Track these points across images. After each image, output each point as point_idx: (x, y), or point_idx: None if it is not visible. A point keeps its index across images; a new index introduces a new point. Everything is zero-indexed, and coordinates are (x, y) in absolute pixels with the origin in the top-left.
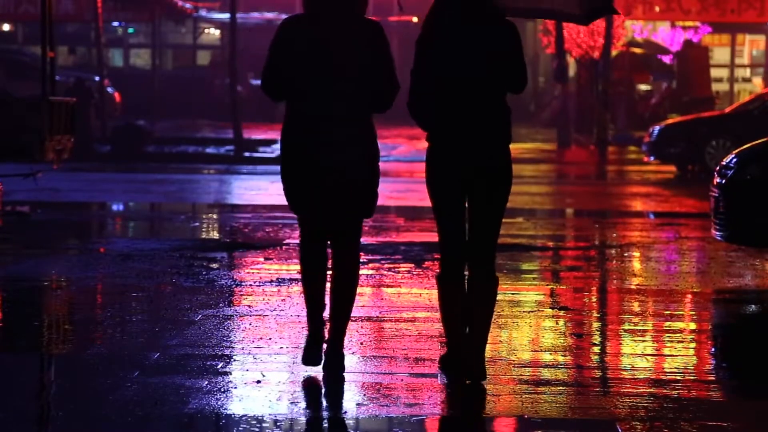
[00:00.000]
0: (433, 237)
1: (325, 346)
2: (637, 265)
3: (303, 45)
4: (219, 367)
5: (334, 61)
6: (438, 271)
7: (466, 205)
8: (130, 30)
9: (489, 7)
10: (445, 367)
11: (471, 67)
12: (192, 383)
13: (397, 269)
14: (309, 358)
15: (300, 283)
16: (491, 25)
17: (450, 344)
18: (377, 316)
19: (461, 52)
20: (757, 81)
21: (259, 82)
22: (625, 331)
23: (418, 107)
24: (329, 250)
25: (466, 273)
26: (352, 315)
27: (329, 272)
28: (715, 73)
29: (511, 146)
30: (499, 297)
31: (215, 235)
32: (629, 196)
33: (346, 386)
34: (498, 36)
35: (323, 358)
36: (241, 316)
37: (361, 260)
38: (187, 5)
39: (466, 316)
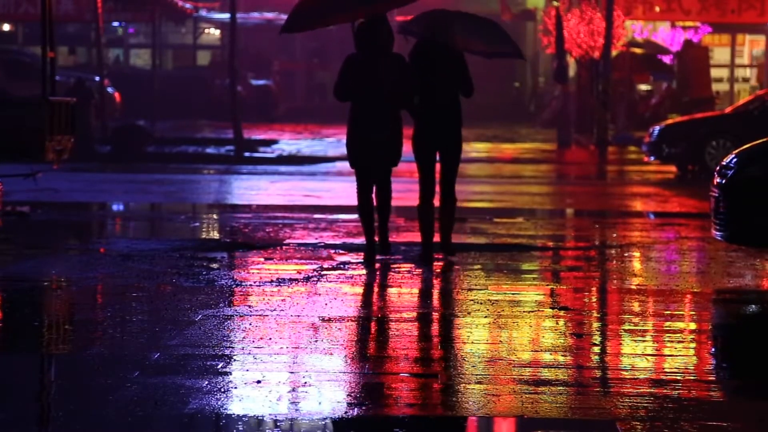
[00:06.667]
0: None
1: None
2: (637, 265)
3: (358, 70)
4: (219, 367)
5: (377, 79)
6: (418, 201)
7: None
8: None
9: (449, 46)
10: (423, 250)
11: (441, 80)
12: (192, 383)
13: (397, 269)
14: (368, 261)
15: (299, 283)
16: (452, 56)
17: (424, 242)
18: (377, 316)
19: (435, 72)
20: (746, 87)
21: (259, 82)
22: (625, 331)
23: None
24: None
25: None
26: (352, 315)
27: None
28: (715, 73)
29: (512, 146)
30: (498, 297)
31: (215, 235)
32: (629, 197)
33: (346, 386)
34: (456, 63)
35: (377, 251)
36: (241, 316)
37: (360, 259)
38: (187, 5)
39: (439, 223)
